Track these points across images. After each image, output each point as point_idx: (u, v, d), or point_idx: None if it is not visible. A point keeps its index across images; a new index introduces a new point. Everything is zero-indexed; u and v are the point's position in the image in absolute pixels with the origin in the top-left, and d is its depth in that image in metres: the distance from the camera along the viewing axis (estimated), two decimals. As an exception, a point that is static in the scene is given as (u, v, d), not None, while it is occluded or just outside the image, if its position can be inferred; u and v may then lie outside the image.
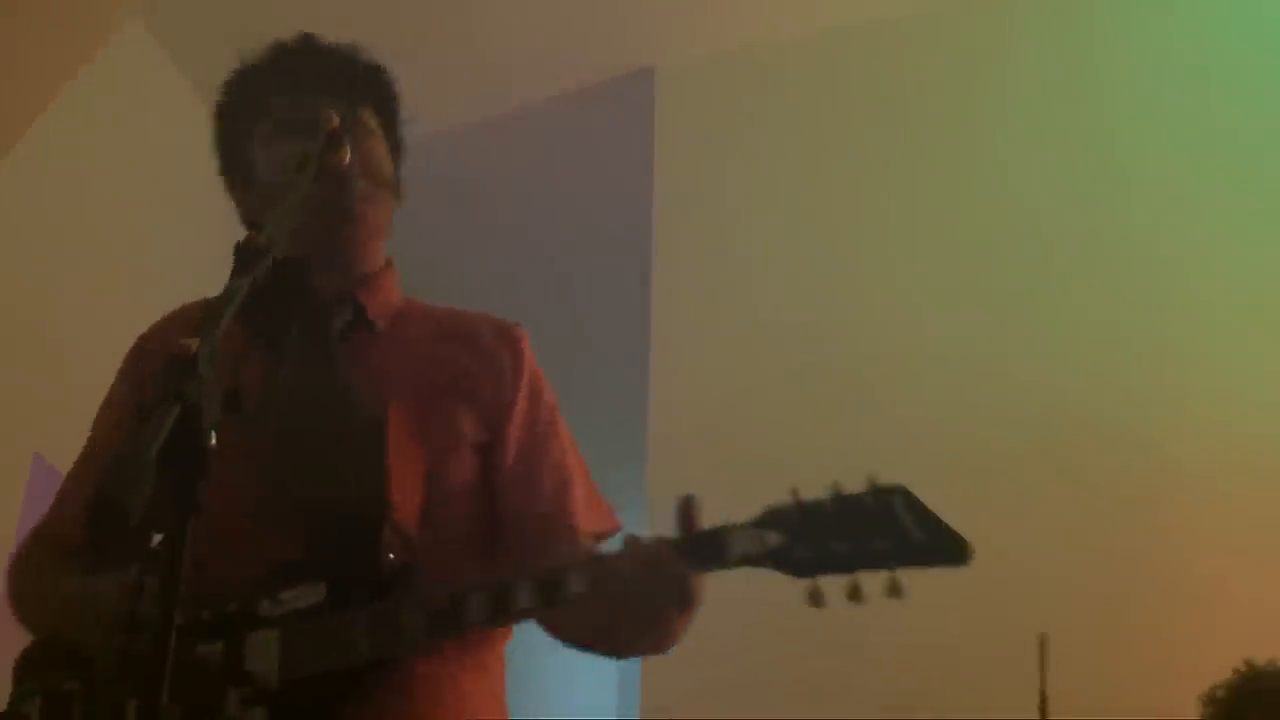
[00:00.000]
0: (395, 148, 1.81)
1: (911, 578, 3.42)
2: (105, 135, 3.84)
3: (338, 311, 1.68)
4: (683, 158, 4.14)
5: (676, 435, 3.62)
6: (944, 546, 1.33)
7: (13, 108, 3.24)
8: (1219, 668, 2.42)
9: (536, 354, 1.76)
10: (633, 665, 3.52)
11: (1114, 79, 3.79)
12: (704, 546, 1.40)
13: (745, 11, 4.16)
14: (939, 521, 1.34)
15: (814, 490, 1.38)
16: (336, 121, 1.58)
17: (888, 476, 1.36)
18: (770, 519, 1.39)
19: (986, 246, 3.64)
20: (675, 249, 3.99)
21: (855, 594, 1.32)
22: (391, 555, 1.50)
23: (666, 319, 3.88)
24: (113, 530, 0.97)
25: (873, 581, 1.32)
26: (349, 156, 1.61)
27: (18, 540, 1.77)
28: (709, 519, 1.42)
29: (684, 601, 1.44)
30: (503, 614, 1.44)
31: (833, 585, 1.34)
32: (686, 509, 1.42)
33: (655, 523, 1.52)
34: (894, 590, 1.30)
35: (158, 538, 1.21)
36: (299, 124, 1.66)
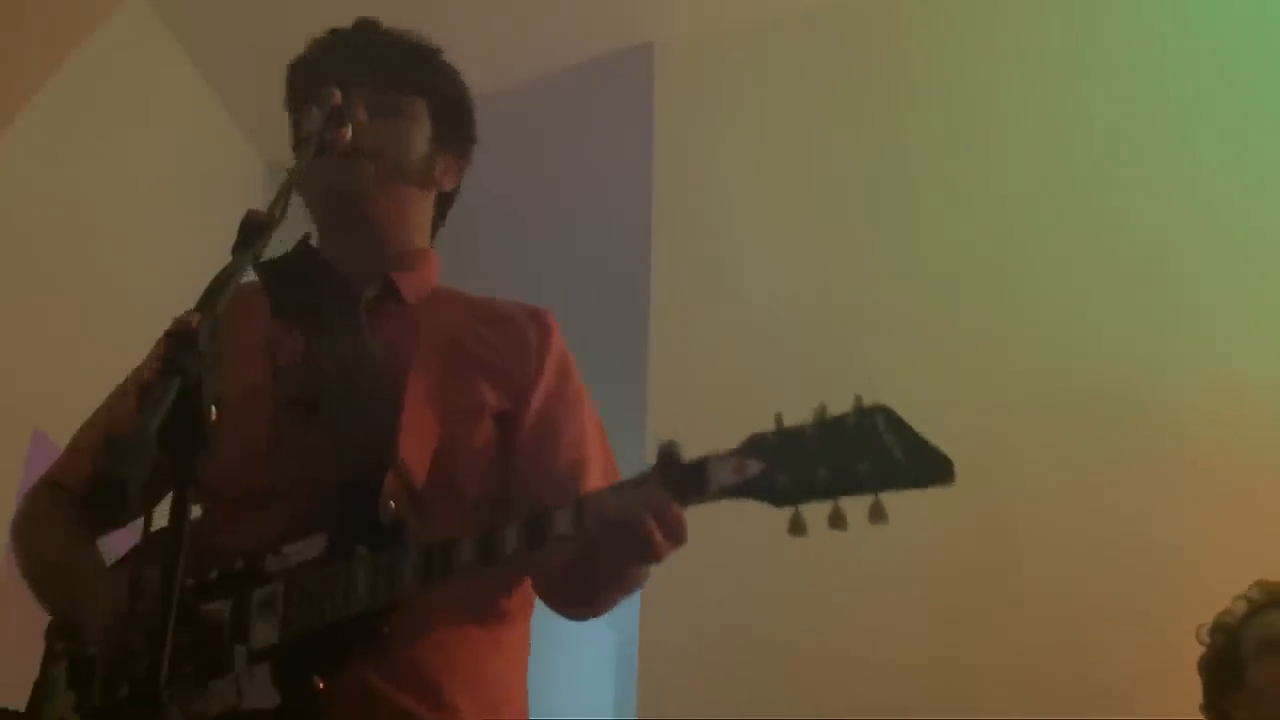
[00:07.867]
0: (443, 142, 1.84)
1: (909, 577, 3.38)
2: (105, 110, 3.83)
3: (368, 285, 1.72)
4: (682, 134, 4.12)
5: (676, 420, 3.60)
6: (927, 467, 1.29)
7: (14, 81, 3.23)
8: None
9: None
10: (630, 665, 3.52)
11: (1116, 53, 3.78)
12: (686, 479, 1.38)
13: (746, -14, 4.15)
14: (923, 441, 1.30)
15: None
16: (338, 98, 1.59)
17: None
18: (752, 446, 1.36)
19: (993, 226, 3.62)
20: (674, 227, 3.98)
21: (838, 521, 1.28)
22: (392, 504, 1.50)
23: (666, 300, 3.87)
24: (112, 504, 0.98)
25: (857, 506, 1.28)
26: (349, 134, 1.62)
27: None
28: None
29: (676, 537, 1.42)
30: (491, 556, 1.42)
31: (816, 513, 1.30)
32: (669, 450, 1.40)
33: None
34: (877, 515, 1.26)
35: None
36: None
